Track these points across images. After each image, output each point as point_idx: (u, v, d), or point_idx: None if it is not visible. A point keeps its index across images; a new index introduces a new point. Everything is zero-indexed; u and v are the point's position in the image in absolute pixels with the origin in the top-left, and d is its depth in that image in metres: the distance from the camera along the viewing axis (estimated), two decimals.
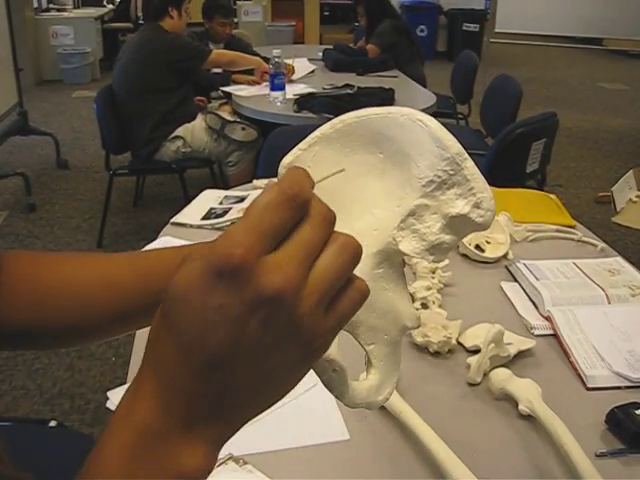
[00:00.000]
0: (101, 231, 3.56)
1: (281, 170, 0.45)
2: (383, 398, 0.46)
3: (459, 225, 0.46)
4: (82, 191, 4.36)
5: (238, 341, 0.34)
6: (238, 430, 0.38)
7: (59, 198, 4.25)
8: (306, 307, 0.34)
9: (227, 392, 0.35)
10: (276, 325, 0.34)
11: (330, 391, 0.43)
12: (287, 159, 0.46)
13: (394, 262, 0.47)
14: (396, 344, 0.48)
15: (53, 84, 7.57)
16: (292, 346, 0.35)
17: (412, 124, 0.45)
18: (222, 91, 3.73)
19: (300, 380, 0.38)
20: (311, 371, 0.41)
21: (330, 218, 0.36)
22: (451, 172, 0.44)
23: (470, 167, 0.44)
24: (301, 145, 0.46)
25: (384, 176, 0.47)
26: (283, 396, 0.38)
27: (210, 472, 0.37)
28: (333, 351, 0.42)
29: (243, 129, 3.39)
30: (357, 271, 0.45)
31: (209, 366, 0.34)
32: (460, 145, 0.44)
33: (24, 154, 5.04)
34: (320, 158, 0.46)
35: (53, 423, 1.36)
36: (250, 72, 3.84)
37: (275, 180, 0.37)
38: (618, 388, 1.04)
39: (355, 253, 0.37)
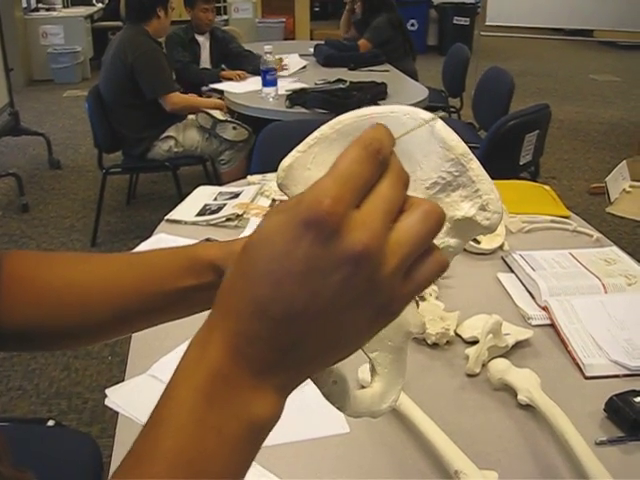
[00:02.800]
0: (95, 230, 3.55)
1: (280, 173, 0.44)
2: (387, 406, 0.45)
3: (465, 228, 0.44)
4: (75, 190, 4.35)
5: (317, 294, 0.33)
6: (304, 381, 0.37)
7: (52, 198, 4.23)
8: (387, 269, 0.34)
9: (298, 343, 0.35)
10: (357, 283, 0.33)
11: (331, 403, 0.42)
12: (286, 162, 0.44)
13: None
14: (401, 350, 0.46)
15: (44, 84, 7.53)
16: (368, 306, 0.34)
17: (415, 124, 0.43)
18: (212, 88, 3.72)
19: (369, 340, 0.38)
20: None
21: (406, 179, 0.36)
22: (456, 173, 0.43)
23: (476, 168, 0.43)
24: (300, 147, 0.44)
25: None
26: (351, 353, 0.37)
27: (278, 420, 0.37)
28: None
29: (234, 128, 3.38)
30: None
31: (285, 317, 0.34)
32: (465, 145, 0.42)
33: (16, 154, 5.02)
34: (320, 160, 0.44)
35: (51, 423, 1.36)
36: (238, 67, 3.86)
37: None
38: (616, 376, 1.04)
39: (440, 221, 0.35)
